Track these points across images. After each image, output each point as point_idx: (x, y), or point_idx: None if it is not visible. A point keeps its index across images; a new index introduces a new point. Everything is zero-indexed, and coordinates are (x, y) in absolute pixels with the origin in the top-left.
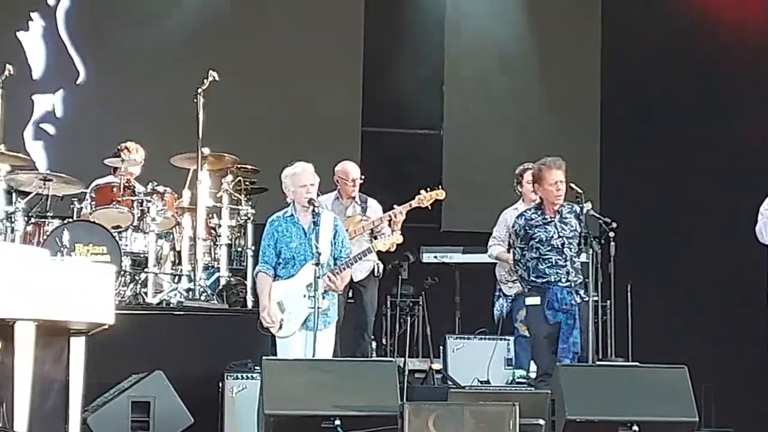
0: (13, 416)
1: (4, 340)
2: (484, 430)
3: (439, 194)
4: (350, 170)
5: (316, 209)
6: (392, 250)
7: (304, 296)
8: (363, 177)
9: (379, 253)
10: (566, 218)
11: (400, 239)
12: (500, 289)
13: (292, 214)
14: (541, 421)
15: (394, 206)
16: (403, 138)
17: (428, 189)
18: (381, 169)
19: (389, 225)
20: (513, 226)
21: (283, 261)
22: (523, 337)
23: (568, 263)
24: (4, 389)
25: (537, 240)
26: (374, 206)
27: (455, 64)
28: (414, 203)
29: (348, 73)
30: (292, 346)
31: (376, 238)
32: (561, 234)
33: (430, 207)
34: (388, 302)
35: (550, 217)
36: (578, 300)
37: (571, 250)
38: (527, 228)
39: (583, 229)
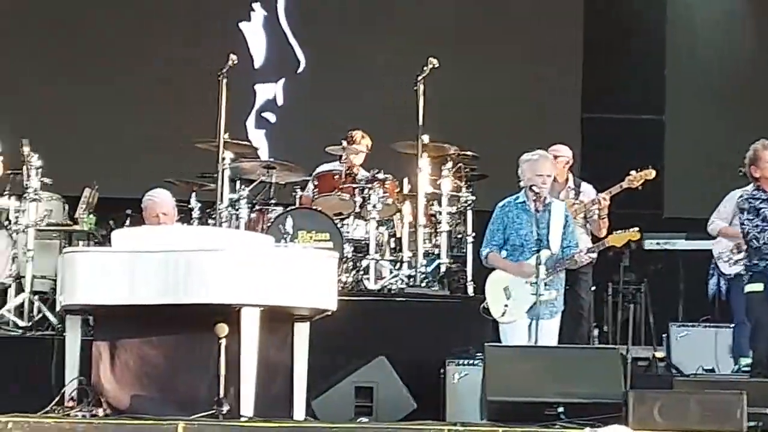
0: (239, 400)
1: (230, 325)
2: (711, 419)
3: (649, 174)
4: (560, 152)
5: (547, 199)
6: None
7: (530, 284)
8: (573, 159)
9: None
10: None
11: (637, 236)
12: (716, 266)
13: (524, 201)
14: None
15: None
16: (624, 124)
17: (638, 169)
18: (602, 155)
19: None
20: (738, 201)
21: (511, 247)
22: (743, 324)
23: None
24: (230, 374)
25: (761, 218)
26: (588, 190)
27: (677, 48)
28: (624, 184)
29: (568, 58)
30: (516, 333)
31: (587, 222)
32: None
33: (641, 187)
34: (610, 289)
35: None
36: None
37: None
38: (750, 201)
39: None
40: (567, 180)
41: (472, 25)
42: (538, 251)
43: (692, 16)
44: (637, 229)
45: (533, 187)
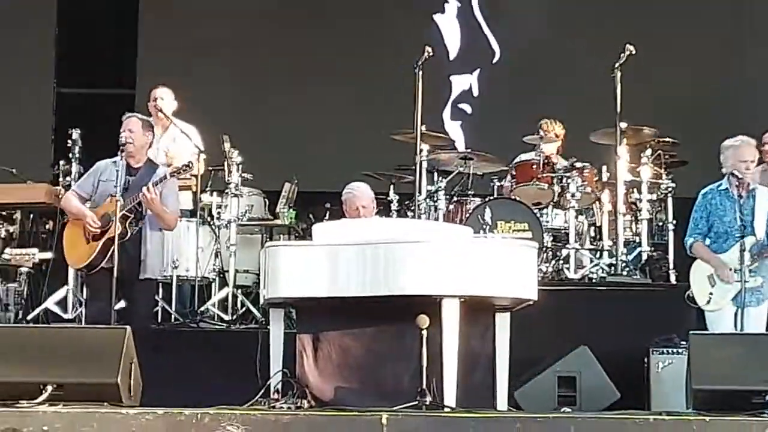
0: (442, 391)
1: (431, 316)
2: None
3: None
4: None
5: (750, 185)
6: None
7: (736, 271)
8: None
9: None
10: None
11: None
12: None
13: (726, 188)
14: None
15: None
16: None
17: None
18: None
19: None
20: None
21: (715, 235)
22: None
23: None
24: (432, 365)
25: None
26: None
27: None
28: None
29: None
30: (722, 321)
31: None
32: None
33: None
34: None
35: None
36: None
37: None
38: None
39: None
40: None
41: (670, 8)
42: (742, 238)
43: None
44: None
45: (735, 173)
